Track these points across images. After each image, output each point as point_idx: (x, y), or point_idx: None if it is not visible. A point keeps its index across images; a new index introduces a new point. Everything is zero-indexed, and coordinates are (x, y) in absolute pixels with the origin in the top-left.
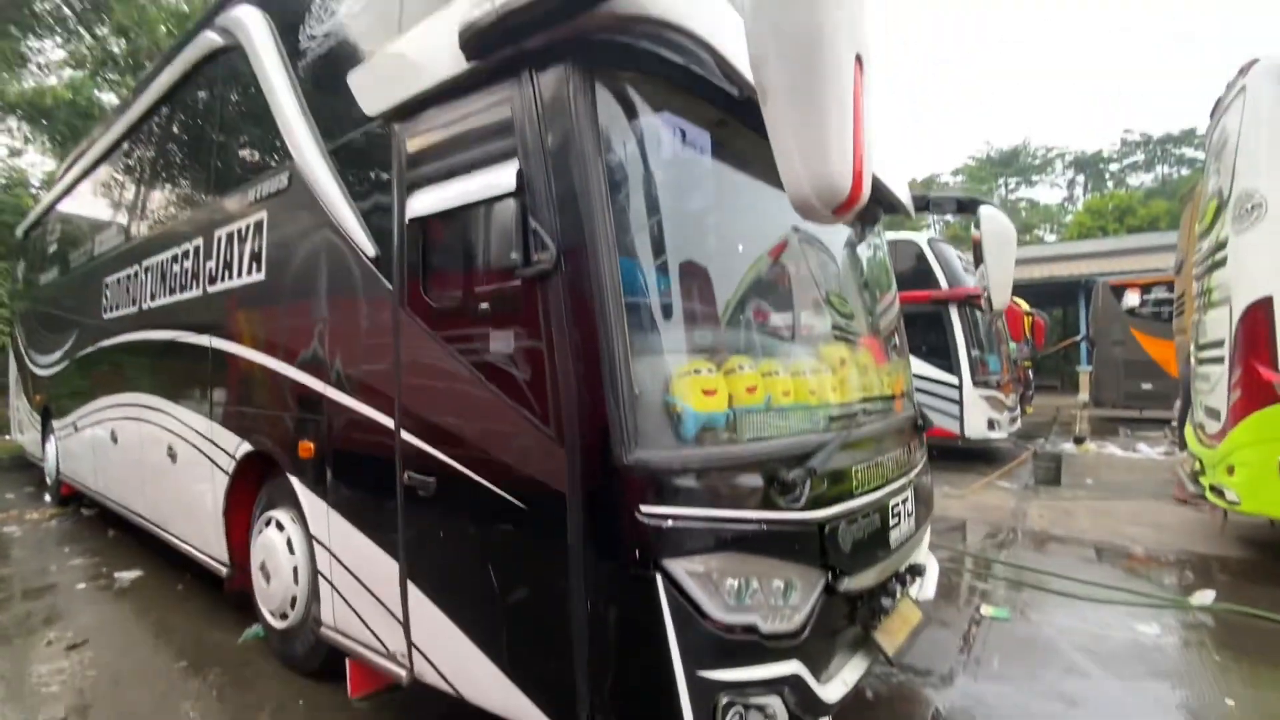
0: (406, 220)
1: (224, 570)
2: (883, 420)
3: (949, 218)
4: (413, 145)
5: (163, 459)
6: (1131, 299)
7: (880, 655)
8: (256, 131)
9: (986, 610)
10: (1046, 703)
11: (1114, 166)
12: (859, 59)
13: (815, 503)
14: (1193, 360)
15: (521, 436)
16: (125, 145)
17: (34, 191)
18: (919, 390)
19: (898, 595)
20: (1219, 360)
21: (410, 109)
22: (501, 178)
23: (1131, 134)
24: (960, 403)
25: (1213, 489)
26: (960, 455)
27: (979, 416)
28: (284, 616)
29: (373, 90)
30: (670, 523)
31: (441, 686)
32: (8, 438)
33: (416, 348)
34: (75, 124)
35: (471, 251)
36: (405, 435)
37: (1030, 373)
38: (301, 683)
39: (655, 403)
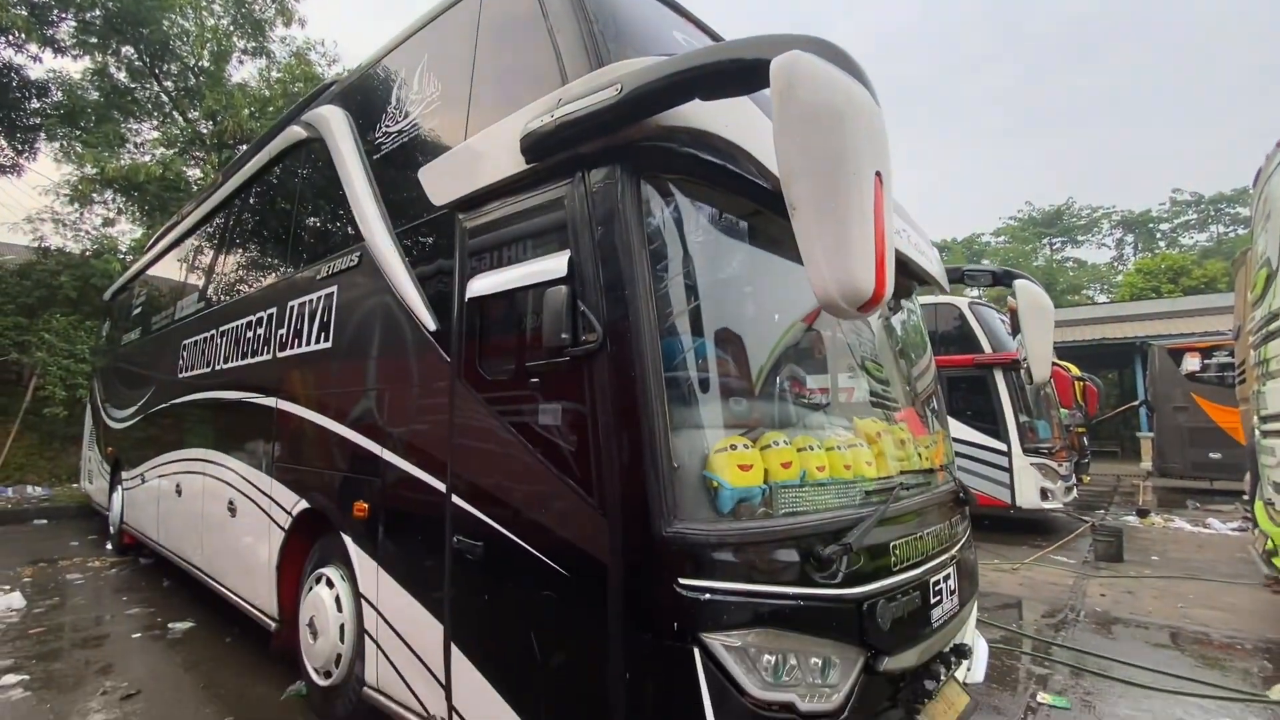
0: (466, 299)
1: (273, 625)
2: (922, 494)
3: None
4: (474, 233)
5: (223, 513)
6: (1191, 363)
7: None
8: (332, 214)
9: (1044, 698)
10: None
11: (1165, 226)
12: (879, 175)
13: (853, 579)
14: (1257, 433)
15: (566, 506)
16: (212, 220)
17: (121, 257)
18: (966, 457)
19: (942, 677)
20: None
21: (473, 201)
22: (554, 265)
23: (1181, 193)
24: (1010, 470)
25: None
26: (1013, 526)
27: (1031, 485)
28: (328, 674)
29: (440, 183)
30: (708, 596)
31: None
32: (75, 485)
33: (470, 417)
34: (163, 196)
35: (524, 330)
36: (456, 500)
37: (1084, 440)
38: None
39: (694, 477)
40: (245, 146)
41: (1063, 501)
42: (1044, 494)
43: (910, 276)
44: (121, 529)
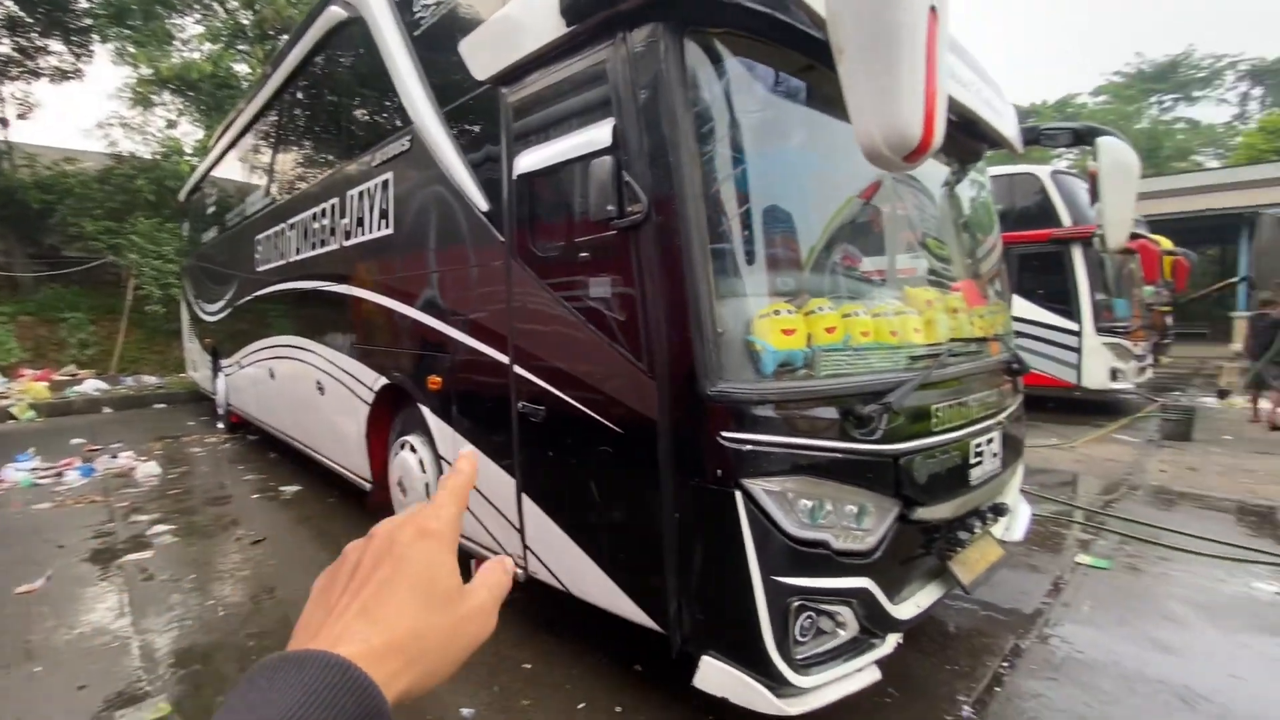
0: (514, 177)
1: (368, 486)
2: (970, 362)
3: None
4: (518, 107)
5: (313, 392)
6: None
7: (956, 585)
8: (380, 98)
9: (1084, 559)
10: (1136, 646)
11: None
12: (933, 10)
13: (891, 436)
14: None
15: (618, 371)
16: (266, 115)
17: (188, 158)
18: (1033, 337)
19: (977, 530)
20: None
21: (515, 73)
22: (599, 135)
23: None
24: (1079, 350)
25: None
26: (1077, 407)
27: (1100, 365)
28: None
29: (481, 56)
30: (749, 447)
31: (552, 583)
32: (183, 375)
33: (526, 293)
34: (217, 94)
35: (573, 204)
36: (518, 370)
37: (1167, 319)
38: None
39: (737, 341)
40: (287, 36)
41: (1134, 382)
42: (1114, 374)
43: (978, 138)
44: (228, 410)
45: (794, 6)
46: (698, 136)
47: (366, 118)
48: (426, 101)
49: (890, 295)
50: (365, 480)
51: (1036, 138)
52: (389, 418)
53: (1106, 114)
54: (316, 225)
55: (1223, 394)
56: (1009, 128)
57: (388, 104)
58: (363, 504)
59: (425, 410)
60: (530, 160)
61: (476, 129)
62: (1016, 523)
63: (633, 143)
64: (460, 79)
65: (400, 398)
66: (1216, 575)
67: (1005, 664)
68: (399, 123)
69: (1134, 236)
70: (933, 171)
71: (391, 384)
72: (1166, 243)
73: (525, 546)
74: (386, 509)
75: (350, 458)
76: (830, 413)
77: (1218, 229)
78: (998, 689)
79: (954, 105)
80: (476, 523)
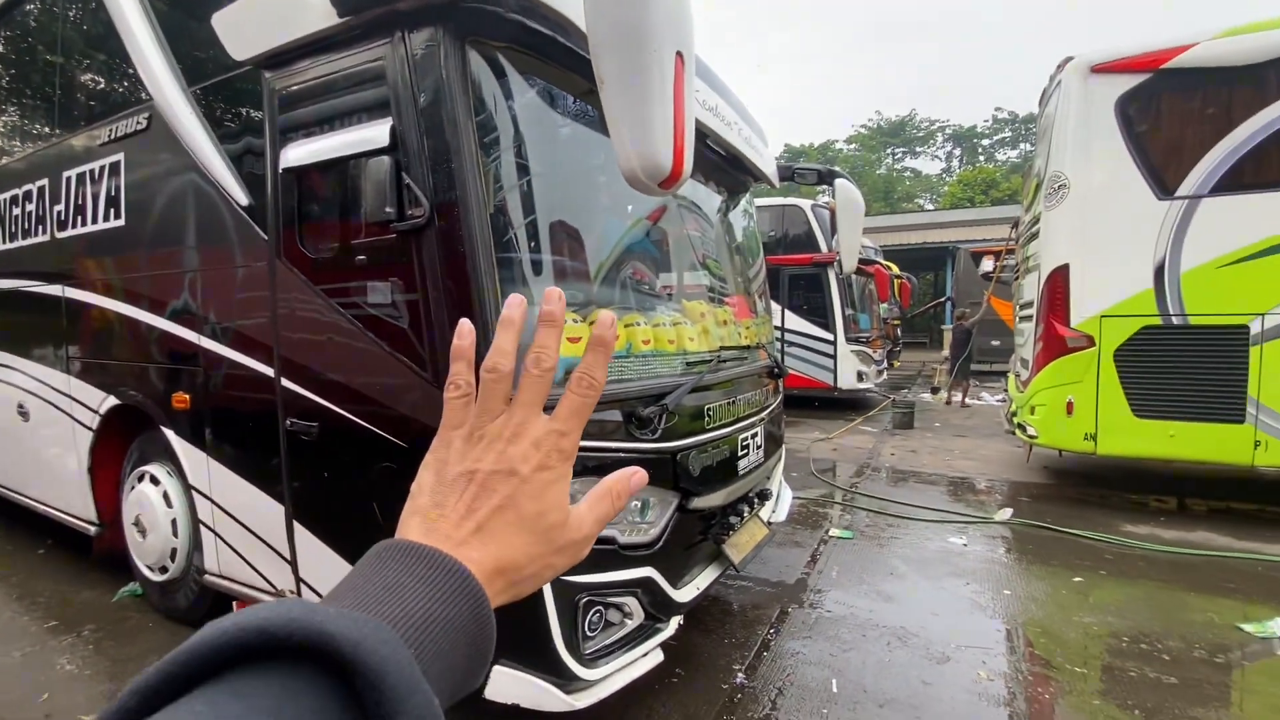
0: (280, 170)
1: (93, 530)
2: (738, 367)
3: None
4: (285, 95)
5: (12, 418)
6: (986, 265)
7: (729, 565)
8: (107, 63)
9: (834, 532)
10: (869, 600)
11: (986, 142)
12: (680, 55)
13: (669, 435)
14: (1016, 318)
15: (400, 381)
16: None
17: None
18: (801, 346)
19: (745, 515)
20: (1030, 318)
21: (282, 58)
22: (376, 134)
23: (1001, 111)
24: (834, 357)
25: (1019, 427)
26: (834, 404)
27: (850, 369)
28: (164, 570)
29: (240, 34)
30: None
31: None
32: None
33: (294, 298)
34: None
35: (347, 204)
36: (286, 383)
37: (898, 330)
38: (186, 633)
39: (523, 350)
40: None
41: (875, 383)
42: (860, 376)
43: (742, 171)
44: None
45: (574, 34)
46: (482, 145)
47: (91, 85)
48: (170, 76)
49: (671, 308)
50: (89, 523)
51: (791, 175)
52: (121, 445)
53: (857, 159)
54: (17, 210)
55: (934, 390)
56: (767, 165)
57: (118, 71)
58: (88, 552)
59: (170, 434)
60: (299, 153)
61: (235, 113)
62: (781, 505)
63: (412, 145)
64: (215, 55)
65: (136, 421)
66: (926, 535)
67: (772, 630)
68: (140, 95)
69: (871, 262)
70: (708, 198)
71: (124, 405)
72: (895, 268)
73: (299, 579)
74: (119, 553)
75: (67, 497)
76: (615, 415)
77: (932, 258)
78: (765, 653)
79: (720, 141)
80: (238, 559)
